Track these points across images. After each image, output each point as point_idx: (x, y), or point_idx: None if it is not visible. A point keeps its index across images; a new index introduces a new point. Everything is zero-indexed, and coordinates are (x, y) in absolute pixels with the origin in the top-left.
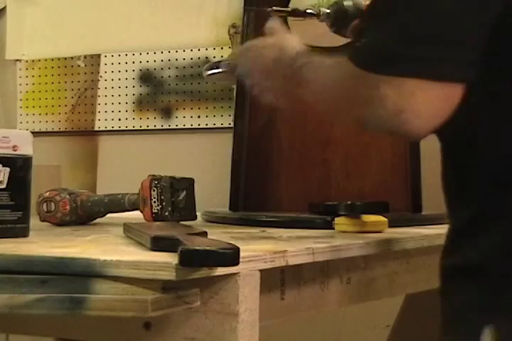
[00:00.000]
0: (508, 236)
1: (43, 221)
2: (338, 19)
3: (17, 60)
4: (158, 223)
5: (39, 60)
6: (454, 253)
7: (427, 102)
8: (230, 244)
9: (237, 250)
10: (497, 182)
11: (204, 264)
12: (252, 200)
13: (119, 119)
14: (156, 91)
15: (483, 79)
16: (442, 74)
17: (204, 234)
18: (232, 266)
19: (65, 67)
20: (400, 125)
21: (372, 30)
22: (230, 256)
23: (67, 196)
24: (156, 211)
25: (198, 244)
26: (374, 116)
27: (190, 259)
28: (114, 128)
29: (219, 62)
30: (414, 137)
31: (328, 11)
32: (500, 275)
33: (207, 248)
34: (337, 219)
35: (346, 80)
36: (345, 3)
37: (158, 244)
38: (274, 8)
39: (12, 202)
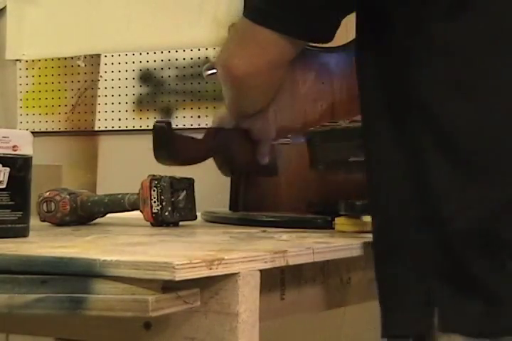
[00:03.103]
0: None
1: (43, 221)
2: None
3: (17, 60)
4: None
5: (39, 60)
6: None
7: (245, 43)
8: None
9: None
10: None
11: None
12: (252, 200)
13: (119, 119)
14: (156, 91)
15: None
16: (260, 19)
17: None
18: None
19: (65, 67)
20: (223, 60)
21: None
22: None
23: (67, 196)
24: (156, 211)
25: None
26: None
27: None
28: (114, 128)
29: None
30: (232, 75)
31: None
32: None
33: None
34: (337, 219)
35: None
36: None
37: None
38: None
39: (12, 202)
